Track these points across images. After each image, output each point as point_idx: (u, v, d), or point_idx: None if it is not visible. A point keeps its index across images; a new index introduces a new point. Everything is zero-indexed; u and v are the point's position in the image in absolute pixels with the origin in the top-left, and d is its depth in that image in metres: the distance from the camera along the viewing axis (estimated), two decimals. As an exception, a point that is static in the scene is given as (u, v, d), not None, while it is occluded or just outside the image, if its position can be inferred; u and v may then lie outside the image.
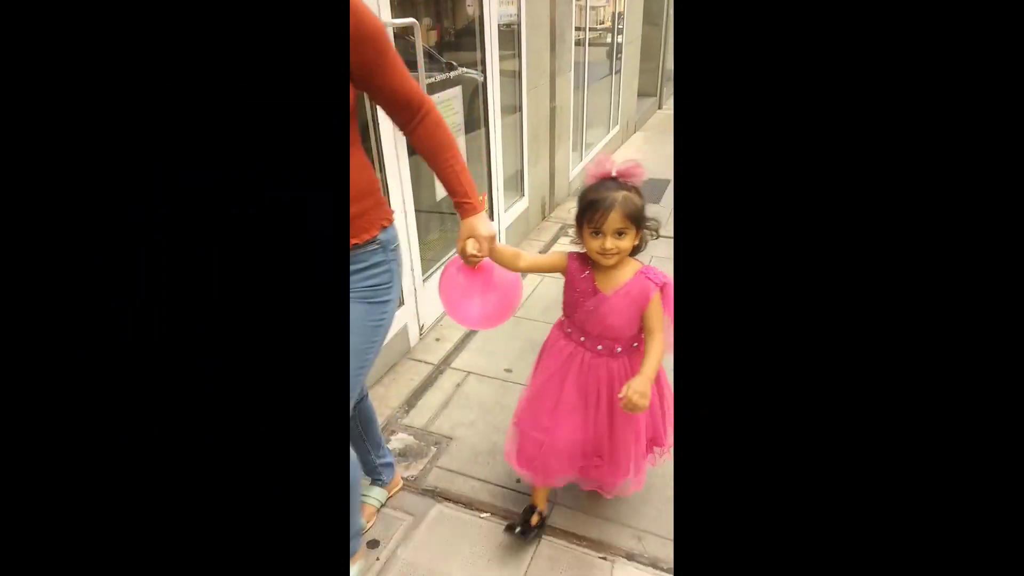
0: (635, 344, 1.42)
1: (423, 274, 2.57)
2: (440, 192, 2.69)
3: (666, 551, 1.56)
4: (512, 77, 3.29)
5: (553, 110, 3.82)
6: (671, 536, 1.59)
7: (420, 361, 2.43)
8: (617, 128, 5.80)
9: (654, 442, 1.58)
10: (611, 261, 1.31)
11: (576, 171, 4.56)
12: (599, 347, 1.41)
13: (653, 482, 1.77)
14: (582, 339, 1.43)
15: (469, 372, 2.35)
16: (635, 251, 1.38)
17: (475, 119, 3.02)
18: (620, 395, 1.29)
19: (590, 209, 1.28)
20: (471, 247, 1.29)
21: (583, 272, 1.39)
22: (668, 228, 2.49)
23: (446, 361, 2.42)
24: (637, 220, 1.30)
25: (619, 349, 1.41)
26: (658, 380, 1.49)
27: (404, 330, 2.45)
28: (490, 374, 2.34)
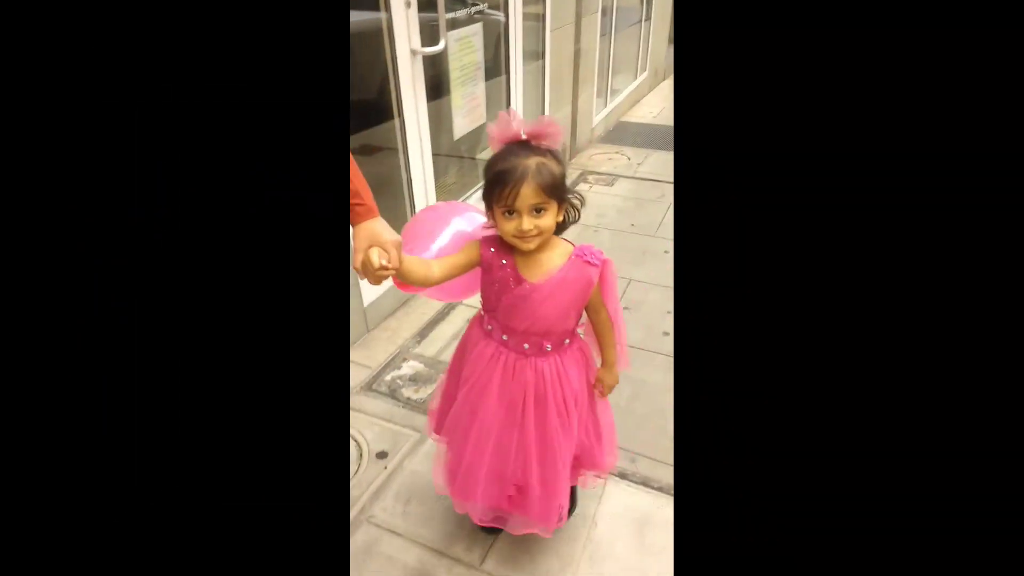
0: (567, 341, 1.23)
1: (439, 214, 2.64)
2: (459, 132, 2.75)
3: (656, 472, 1.67)
4: (536, 20, 3.27)
5: (577, 52, 3.79)
6: (662, 459, 1.70)
7: (434, 297, 2.54)
8: (645, 74, 5.70)
9: (583, 465, 1.42)
10: (531, 245, 1.09)
11: (600, 117, 4.53)
12: (525, 346, 1.19)
13: (650, 410, 1.87)
14: (504, 337, 1.20)
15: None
16: (560, 228, 1.16)
17: (497, 65, 3.03)
18: (595, 388, 1.30)
19: (498, 184, 1.05)
20: (377, 257, 0.98)
21: (501, 260, 1.15)
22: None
23: (459, 297, 2.53)
24: (557, 192, 1.07)
25: (549, 347, 1.20)
26: (591, 406, 1.34)
27: (420, 267, 2.54)
28: (501, 311, 2.44)
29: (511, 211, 1.06)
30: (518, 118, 1.08)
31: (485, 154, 3.22)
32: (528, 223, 1.05)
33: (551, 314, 1.16)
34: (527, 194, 1.03)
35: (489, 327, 1.24)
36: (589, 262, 1.14)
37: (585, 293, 1.17)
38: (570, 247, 1.17)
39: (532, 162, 1.04)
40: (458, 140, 2.79)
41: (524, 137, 1.08)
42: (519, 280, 1.14)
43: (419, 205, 2.46)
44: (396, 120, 2.32)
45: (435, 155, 2.55)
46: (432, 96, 2.46)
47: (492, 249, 1.16)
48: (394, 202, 2.45)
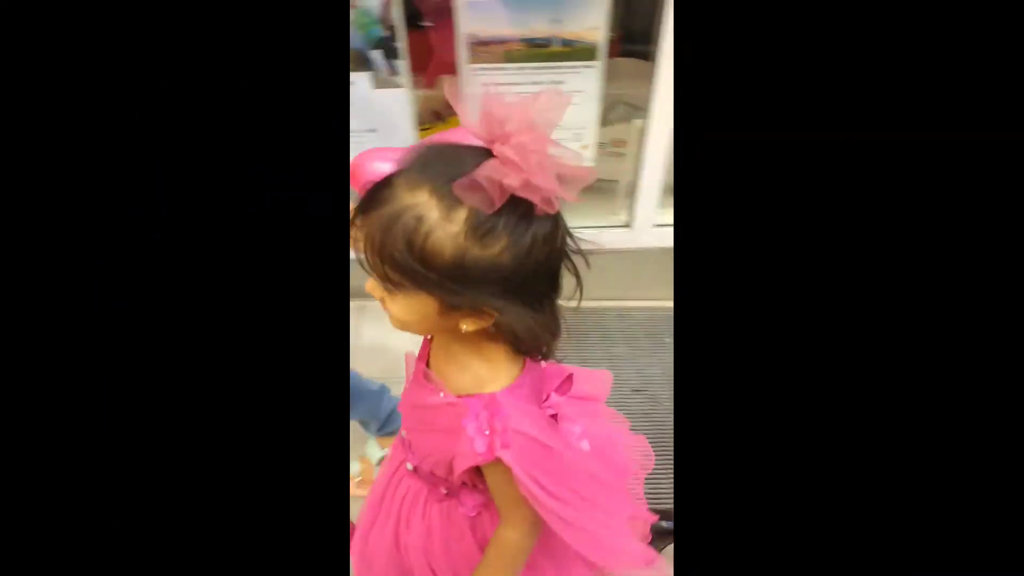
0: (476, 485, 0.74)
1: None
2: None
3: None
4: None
5: None
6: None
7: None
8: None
9: None
10: (395, 321, 0.62)
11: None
12: (410, 467, 0.78)
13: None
14: (410, 467, 0.79)
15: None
16: (516, 342, 0.61)
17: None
18: None
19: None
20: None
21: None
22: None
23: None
24: (408, 273, 0.55)
25: (444, 490, 0.74)
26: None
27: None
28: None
29: None
30: (501, 101, 0.52)
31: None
32: (372, 285, 0.59)
33: (424, 448, 0.71)
34: (361, 246, 0.58)
35: (403, 431, 0.78)
36: (470, 435, 0.62)
37: (459, 455, 0.63)
38: (496, 381, 0.63)
39: (414, 200, 0.54)
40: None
41: (488, 141, 0.53)
42: (424, 361, 0.69)
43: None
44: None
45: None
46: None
47: None
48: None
